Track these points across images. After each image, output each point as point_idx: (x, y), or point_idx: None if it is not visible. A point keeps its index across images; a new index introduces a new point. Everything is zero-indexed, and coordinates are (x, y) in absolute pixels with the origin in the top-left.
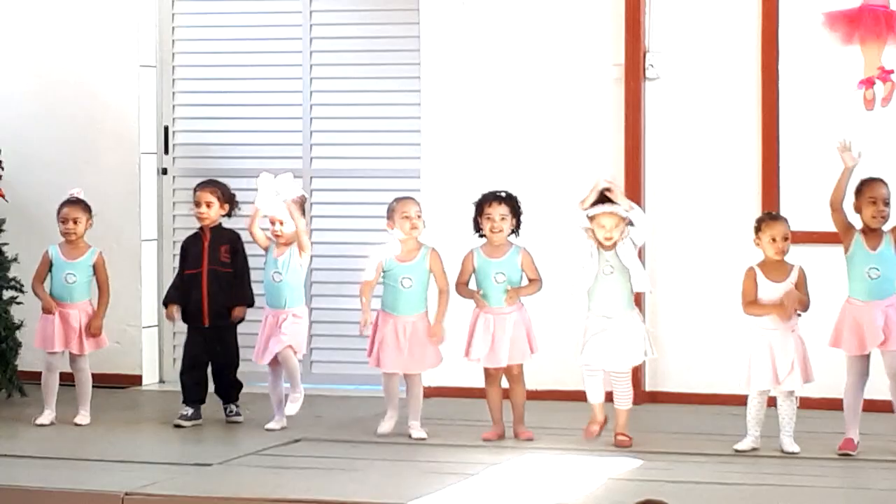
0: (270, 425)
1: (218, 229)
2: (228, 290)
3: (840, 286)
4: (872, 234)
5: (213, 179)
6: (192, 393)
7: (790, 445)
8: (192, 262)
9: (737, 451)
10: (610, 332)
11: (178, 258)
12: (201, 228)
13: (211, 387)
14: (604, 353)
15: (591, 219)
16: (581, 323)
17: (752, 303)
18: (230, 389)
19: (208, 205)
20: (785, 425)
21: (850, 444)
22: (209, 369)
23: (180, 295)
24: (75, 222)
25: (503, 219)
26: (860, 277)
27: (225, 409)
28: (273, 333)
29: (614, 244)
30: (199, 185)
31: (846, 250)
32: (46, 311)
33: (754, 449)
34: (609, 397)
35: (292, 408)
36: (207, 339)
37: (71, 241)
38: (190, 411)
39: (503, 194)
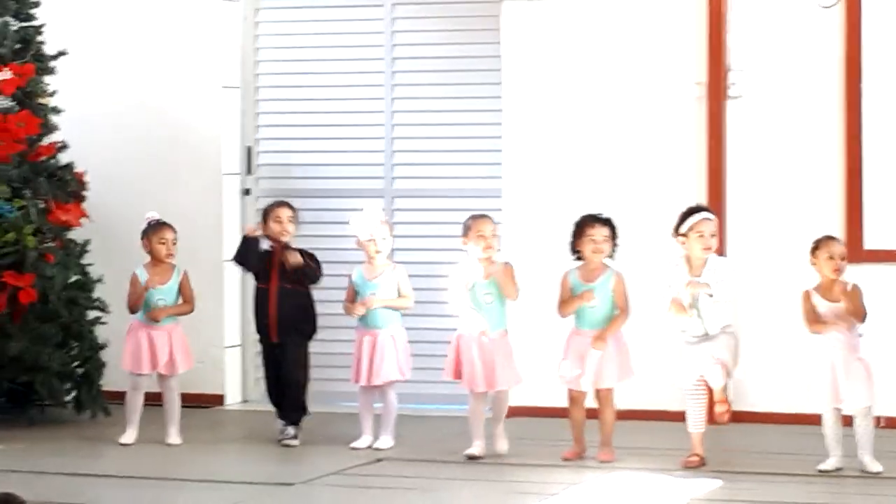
0: (357, 444)
1: (288, 248)
2: (297, 307)
3: None
4: None
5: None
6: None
7: (872, 464)
8: (262, 276)
9: (820, 471)
10: (705, 344)
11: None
12: (273, 246)
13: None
14: (702, 362)
15: (687, 234)
16: (674, 345)
17: (814, 321)
18: (291, 410)
19: (290, 220)
20: (864, 444)
21: None
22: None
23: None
24: (174, 243)
25: (605, 240)
26: None
27: (281, 430)
28: (373, 356)
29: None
30: (276, 203)
31: None
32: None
33: (838, 469)
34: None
35: (386, 441)
36: (277, 355)
37: (163, 262)
38: (291, 430)
39: (604, 216)
